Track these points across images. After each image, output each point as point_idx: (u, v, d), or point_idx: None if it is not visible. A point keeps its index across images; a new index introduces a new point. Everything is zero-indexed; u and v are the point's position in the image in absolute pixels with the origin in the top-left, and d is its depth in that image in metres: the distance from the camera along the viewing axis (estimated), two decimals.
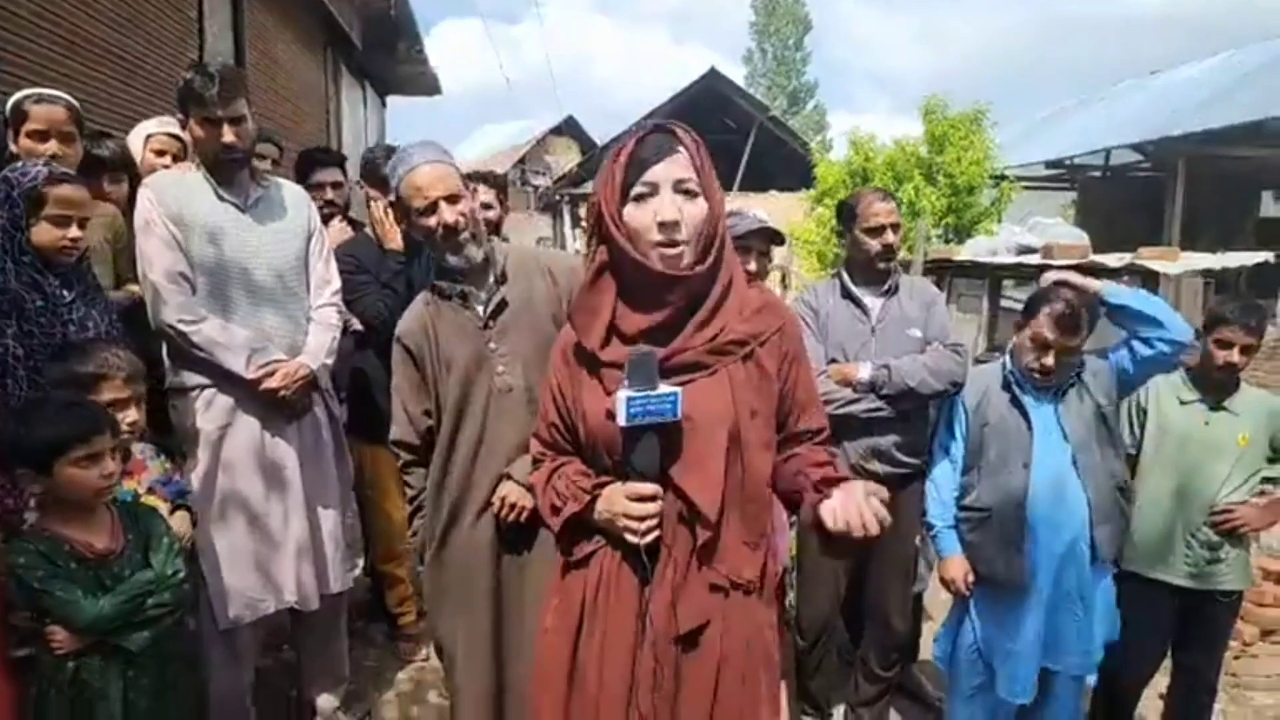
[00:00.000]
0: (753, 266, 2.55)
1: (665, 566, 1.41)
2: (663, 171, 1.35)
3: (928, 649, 2.97)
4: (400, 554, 3.16)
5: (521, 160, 26.36)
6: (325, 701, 2.75)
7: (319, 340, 2.55)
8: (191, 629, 2.11)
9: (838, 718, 2.99)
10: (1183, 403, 2.63)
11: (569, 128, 27.80)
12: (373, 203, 3.06)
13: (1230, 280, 9.59)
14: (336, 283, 2.66)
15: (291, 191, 2.64)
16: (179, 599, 1.87)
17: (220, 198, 2.41)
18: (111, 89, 4.60)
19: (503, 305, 2.07)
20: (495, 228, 3.34)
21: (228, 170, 2.41)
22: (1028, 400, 2.42)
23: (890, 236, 2.73)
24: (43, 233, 2.04)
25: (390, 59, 10.34)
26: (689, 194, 1.36)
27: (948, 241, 9.52)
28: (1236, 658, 3.69)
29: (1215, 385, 2.61)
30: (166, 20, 5.23)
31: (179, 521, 2.07)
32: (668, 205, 1.34)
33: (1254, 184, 13.11)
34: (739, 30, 35.20)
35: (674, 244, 1.35)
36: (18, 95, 2.48)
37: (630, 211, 1.37)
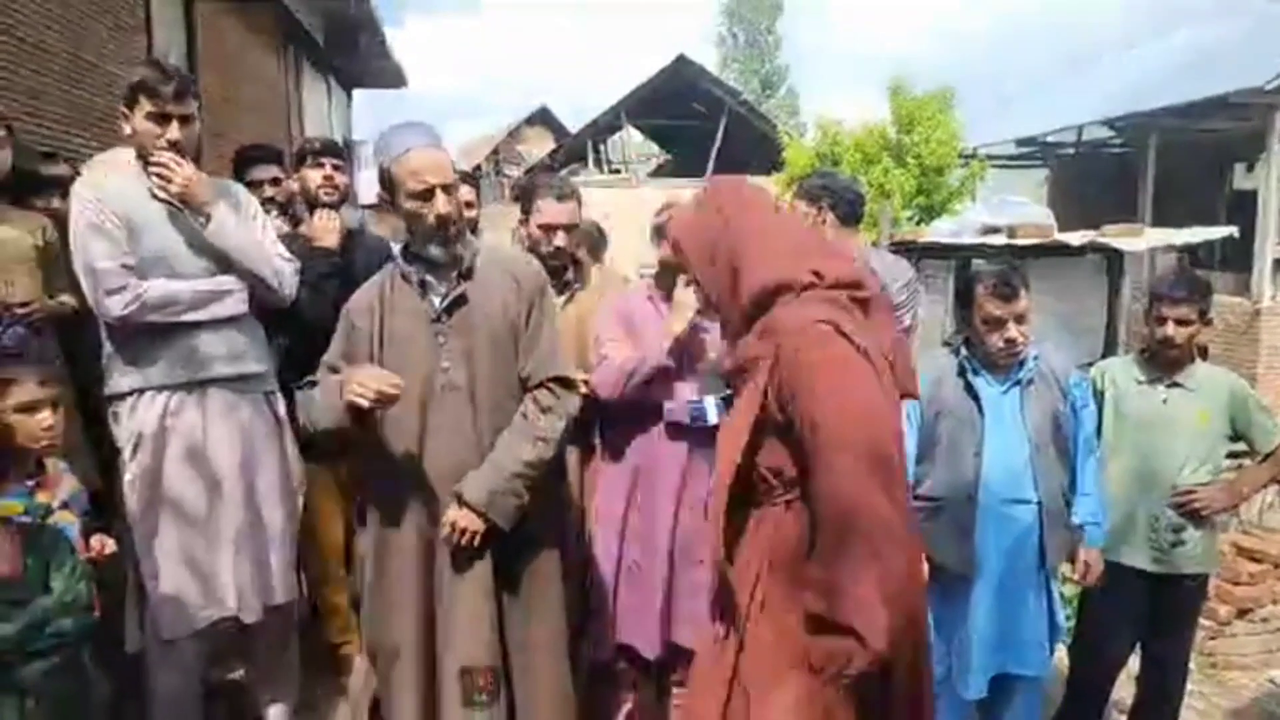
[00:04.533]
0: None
1: None
2: None
3: None
4: (338, 579, 3.00)
5: (495, 152, 26.13)
6: (276, 714, 2.66)
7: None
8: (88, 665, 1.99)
9: None
10: (1138, 383, 2.60)
11: (542, 118, 27.58)
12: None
13: (1204, 255, 9.63)
14: (294, 263, 2.57)
15: (232, 188, 2.57)
16: (80, 628, 1.78)
17: (155, 195, 2.33)
18: (56, 94, 4.48)
19: (461, 301, 2.03)
20: (473, 226, 3.27)
21: None
22: (981, 385, 2.36)
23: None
24: None
25: (353, 52, 10.17)
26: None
27: (919, 223, 9.50)
28: (1213, 638, 3.68)
29: (1165, 363, 2.57)
30: (111, 19, 5.08)
31: (97, 543, 1.99)
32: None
33: (1225, 157, 13.15)
34: (715, 14, 34.92)
35: None
36: None
37: None
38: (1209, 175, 13.12)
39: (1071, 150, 14.37)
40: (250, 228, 2.49)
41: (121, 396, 2.34)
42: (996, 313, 2.27)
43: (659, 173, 21.33)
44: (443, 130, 2.09)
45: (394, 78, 12.14)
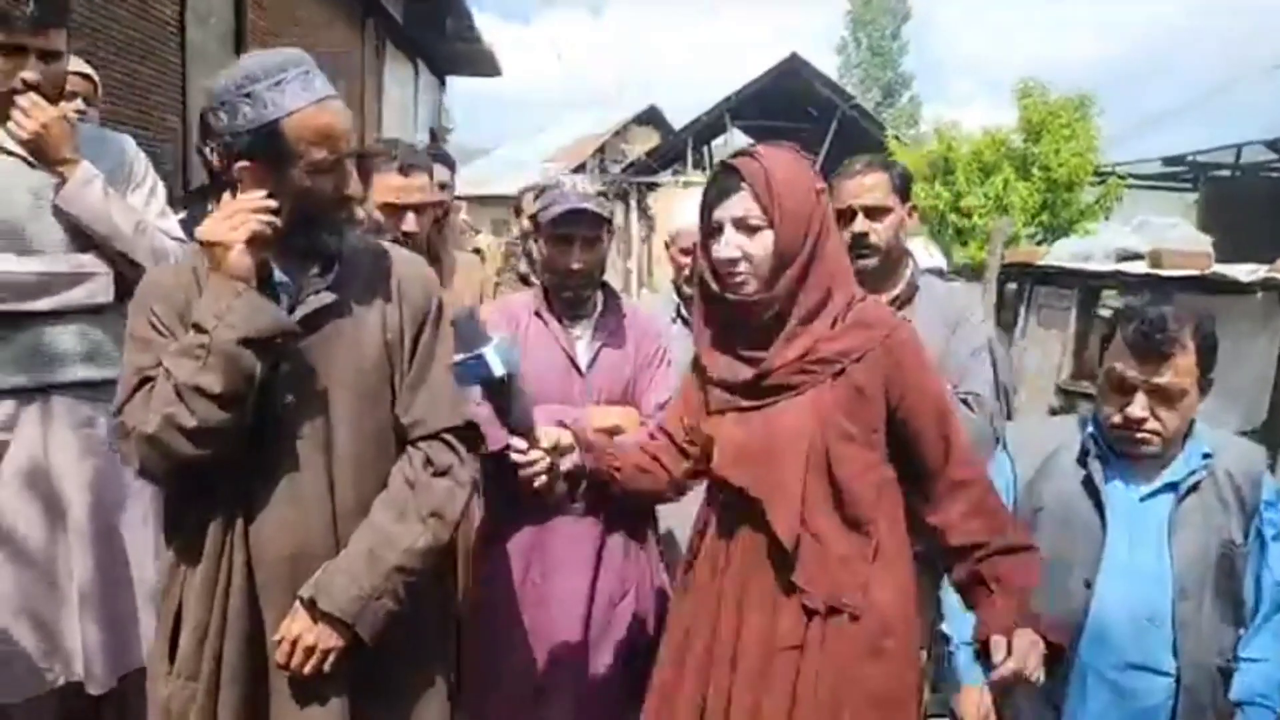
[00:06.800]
0: (576, 265, 1.95)
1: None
2: (723, 212, 1.46)
3: None
4: None
5: (600, 149, 25.96)
6: None
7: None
8: None
9: None
10: None
11: (651, 116, 27.23)
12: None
13: None
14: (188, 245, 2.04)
15: (116, 143, 2.09)
16: None
17: (5, 150, 1.88)
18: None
19: (328, 313, 1.44)
20: (444, 214, 2.78)
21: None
22: (1109, 483, 1.60)
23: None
24: None
25: (439, 35, 9.87)
26: (751, 229, 1.44)
27: (1040, 243, 8.43)
28: None
29: None
30: None
31: None
32: (725, 244, 1.45)
33: None
34: (836, 20, 33.93)
35: (735, 275, 1.45)
36: None
37: (711, 247, 1.49)
38: None
39: (1227, 172, 12.77)
40: (134, 196, 2.02)
41: None
42: (1127, 374, 1.58)
43: None
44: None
45: (487, 65, 11.84)
